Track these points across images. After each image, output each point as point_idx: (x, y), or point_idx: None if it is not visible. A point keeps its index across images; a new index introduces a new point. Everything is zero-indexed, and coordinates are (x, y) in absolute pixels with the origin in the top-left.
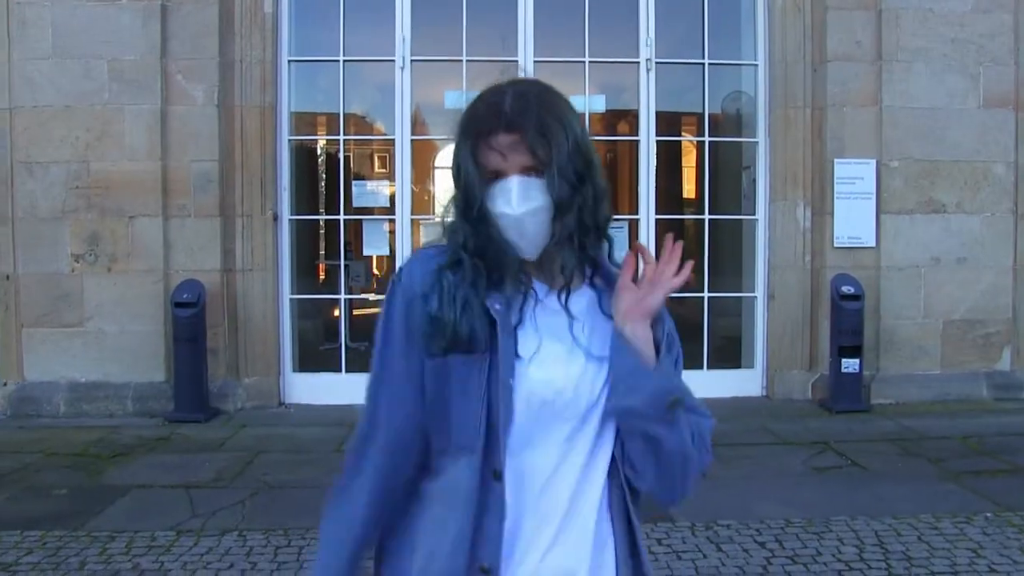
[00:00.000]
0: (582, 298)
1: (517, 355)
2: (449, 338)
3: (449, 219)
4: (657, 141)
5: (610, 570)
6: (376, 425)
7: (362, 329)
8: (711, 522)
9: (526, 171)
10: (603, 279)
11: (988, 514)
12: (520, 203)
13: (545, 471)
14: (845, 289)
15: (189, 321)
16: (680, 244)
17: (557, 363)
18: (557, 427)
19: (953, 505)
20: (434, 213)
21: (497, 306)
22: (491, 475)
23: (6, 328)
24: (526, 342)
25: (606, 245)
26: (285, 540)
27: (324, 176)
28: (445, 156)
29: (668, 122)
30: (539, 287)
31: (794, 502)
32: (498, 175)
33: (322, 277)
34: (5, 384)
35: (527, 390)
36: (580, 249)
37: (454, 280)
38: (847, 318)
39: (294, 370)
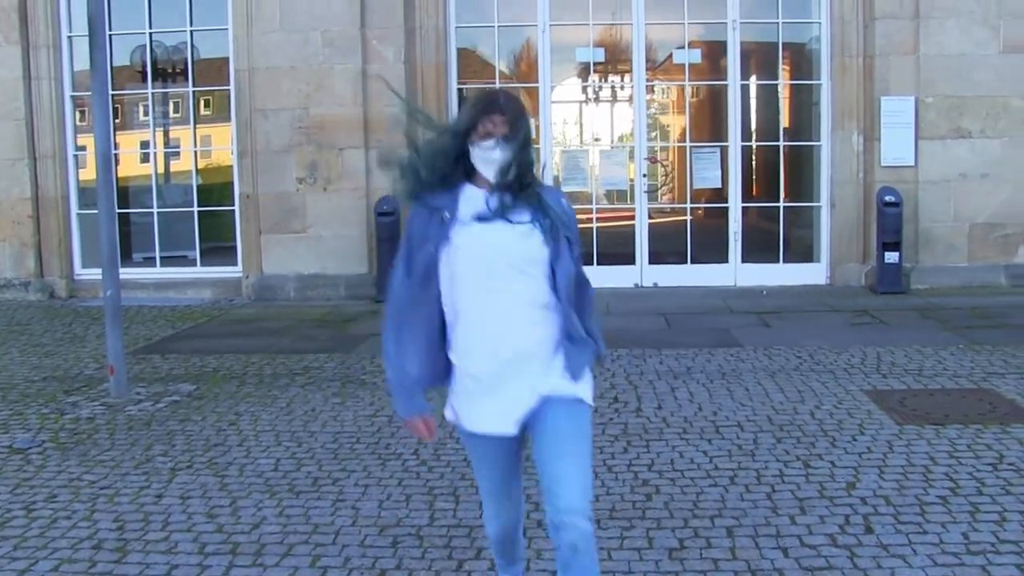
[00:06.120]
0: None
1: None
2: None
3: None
4: (742, 85)
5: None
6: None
7: None
8: (767, 347)
9: (503, 137)
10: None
11: (960, 345)
12: (500, 153)
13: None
14: (888, 198)
15: (389, 226)
16: None
17: (485, 232)
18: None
19: (939, 341)
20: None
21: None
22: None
23: (248, 234)
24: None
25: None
26: None
27: None
28: (559, 93)
29: (751, 69)
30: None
31: (828, 339)
32: (489, 135)
33: None
34: (248, 277)
35: None
36: (517, 178)
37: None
38: (889, 220)
39: None
